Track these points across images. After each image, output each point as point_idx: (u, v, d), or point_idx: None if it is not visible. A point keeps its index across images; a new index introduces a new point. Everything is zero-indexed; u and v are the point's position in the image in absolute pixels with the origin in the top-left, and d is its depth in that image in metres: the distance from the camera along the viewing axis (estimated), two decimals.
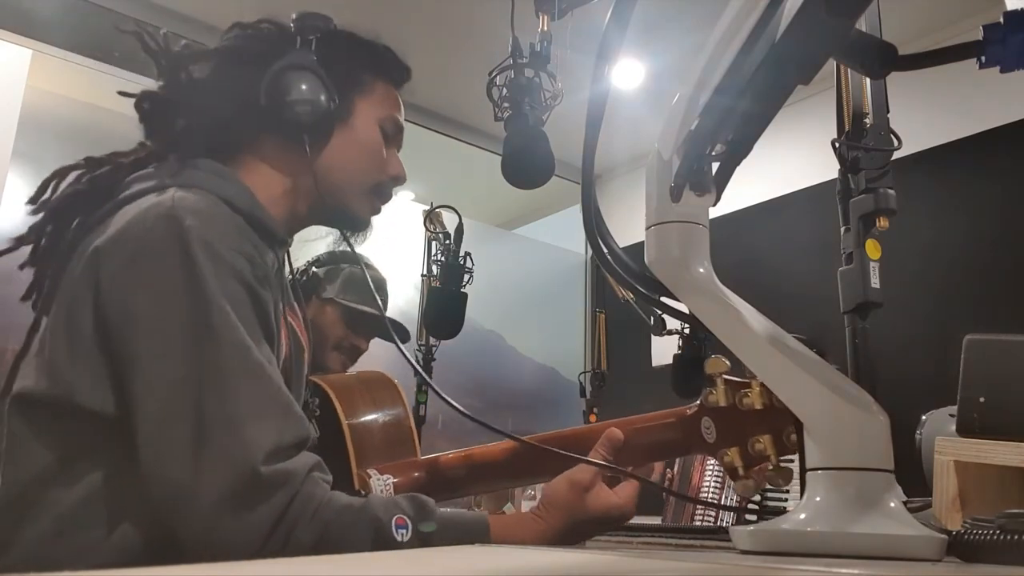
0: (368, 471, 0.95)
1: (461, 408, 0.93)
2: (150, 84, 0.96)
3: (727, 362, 0.75)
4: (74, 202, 0.90)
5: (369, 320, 1.85)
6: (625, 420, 0.90)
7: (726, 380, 0.77)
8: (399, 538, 0.76)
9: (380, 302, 1.91)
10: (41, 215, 0.90)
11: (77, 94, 2.62)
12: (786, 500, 1.39)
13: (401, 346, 1.02)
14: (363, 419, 1.03)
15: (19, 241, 0.90)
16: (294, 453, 0.76)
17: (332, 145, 0.98)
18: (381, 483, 0.94)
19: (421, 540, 0.78)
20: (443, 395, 0.96)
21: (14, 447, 0.81)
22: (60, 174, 0.91)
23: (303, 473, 0.75)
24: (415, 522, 0.78)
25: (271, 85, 0.93)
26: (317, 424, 1.01)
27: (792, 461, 0.75)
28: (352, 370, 1.86)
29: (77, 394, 0.78)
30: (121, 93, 0.96)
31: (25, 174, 2.44)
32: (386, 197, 1.05)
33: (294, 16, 0.99)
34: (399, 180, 1.05)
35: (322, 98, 0.94)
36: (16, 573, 0.76)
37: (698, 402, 0.81)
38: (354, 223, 1.04)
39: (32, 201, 0.90)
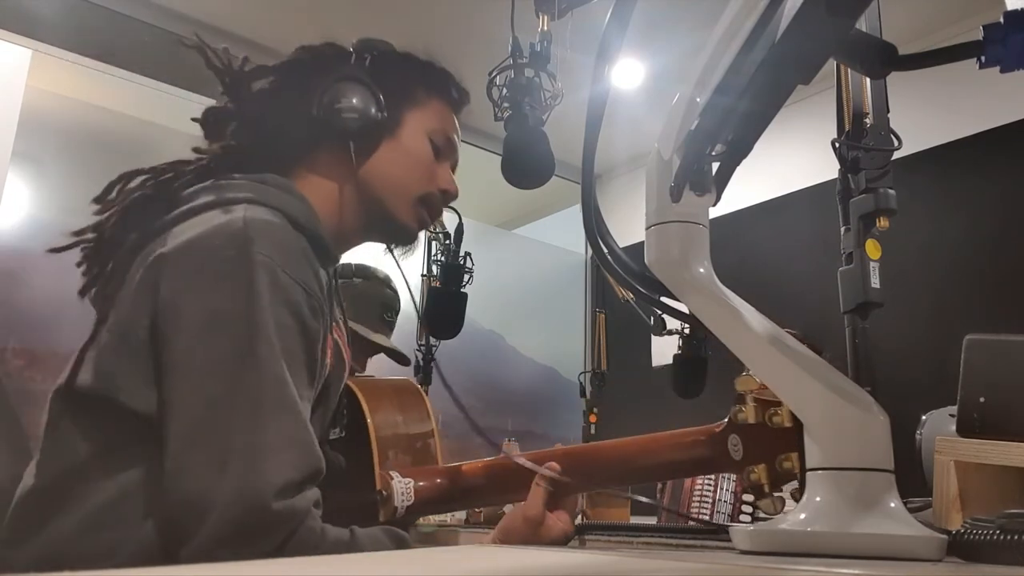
0: (391, 472, 0.95)
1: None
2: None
3: (757, 380, 0.75)
4: (139, 204, 0.90)
5: (371, 346, 1.86)
6: (650, 437, 0.89)
7: (756, 399, 0.77)
8: None
9: (390, 324, 1.91)
10: (106, 214, 0.90)
11: (77, 94, 2.62)
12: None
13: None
14: (389, 423, 1.04)
15: (78, 234, 0.90)
16: (304, 489, 0.77)
17: (378, 154, 0.99)
18: (403, 485, 0.94)
19: None
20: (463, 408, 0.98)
21: (52, 437, 0.82)
22: (126, 177, 0.92)
23: (306, 509, 0.76)
24: None
25: (322, 94, 0.96)
26: (343, 425, 1.03)
27: None
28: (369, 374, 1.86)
29: (122, 393, 0.79)
30: (194, 119, 0.99)
31: (25, 174, 2.44)
32: (435, 210, 1.06)
33: (355, 41, 1.04)
34: (449, 195, 1.06)
35: (370, 107, 0.97)
36: (15, 573, 0.77)
37: (726, 420, 0.81)
38: (400, 235, 1.04)
39: (98, 200, 0.91)
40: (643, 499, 1.12)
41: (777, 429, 0.75)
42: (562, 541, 0.92)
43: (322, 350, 0.87)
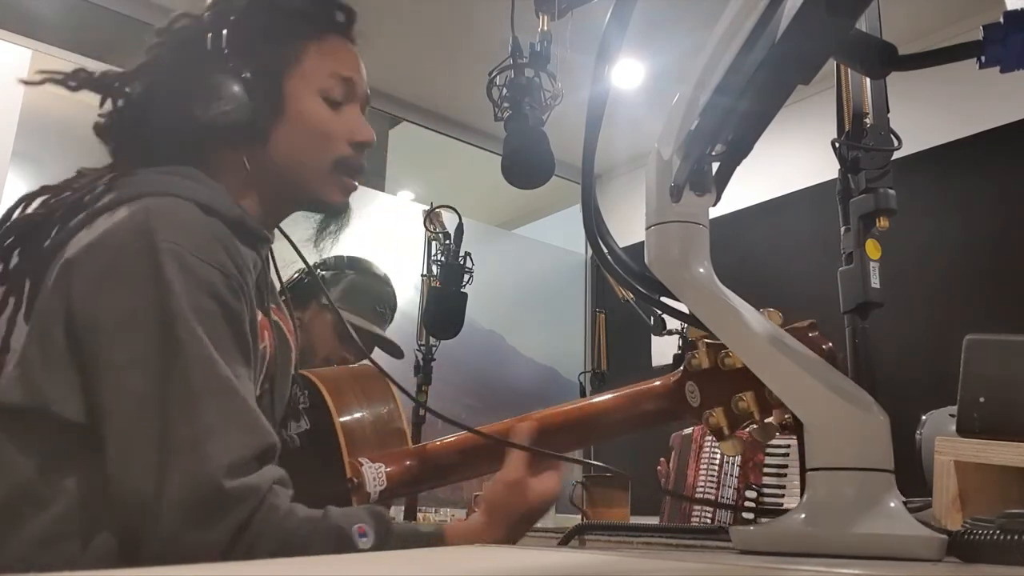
0: (360, 459, 0.96)
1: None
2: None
3: None
4: (39, 225, 0.90)
5: (363, 336, 1.84)
6: (613, 394, 0.91)
7: (707, 343, 0.78)
8: (361, 545, 0.78)
9: (382, 315, 1.90)
10: (8, 239, 0.90)
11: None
12: (783, 497, 1.39)
13: (392, 379, 1.04)
14: (353, 411, 1.04)
15: None
16: (257, 466, 0.76)
17: (272, 141, 0.94)
18: (373, 471, 0.94)
19: (382, 549, 0.79)
20: (411, 395, 0.98)
21: None
22: (26, 199, 0.91)
23: (266, 487, 0.75)
24: (375, 531, 0.80)
25: (191, 102, 0.90)
26: (307, 417, 1.02)
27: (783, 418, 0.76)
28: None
29: (51, 404, 0.78)
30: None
31: (25, 174, 2.44)
32: (354, 169, 0.99)
33: (208, 3, 0.95)
34: (364, 145, 0.98)
35: (241, 102, 0.90)
36: (15, 574, 0.77)
37: (681, 368, 0.82)
38: (327, 207, 1.00)
39: None
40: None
41: (730, 371, 0.76)
42: (549, 502, 0.91)
43: (252, 330, 0.85)
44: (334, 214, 1.02)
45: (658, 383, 0.87)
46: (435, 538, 0.85)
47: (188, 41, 0.94)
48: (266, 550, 0.73)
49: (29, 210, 0.91)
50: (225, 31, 0.92)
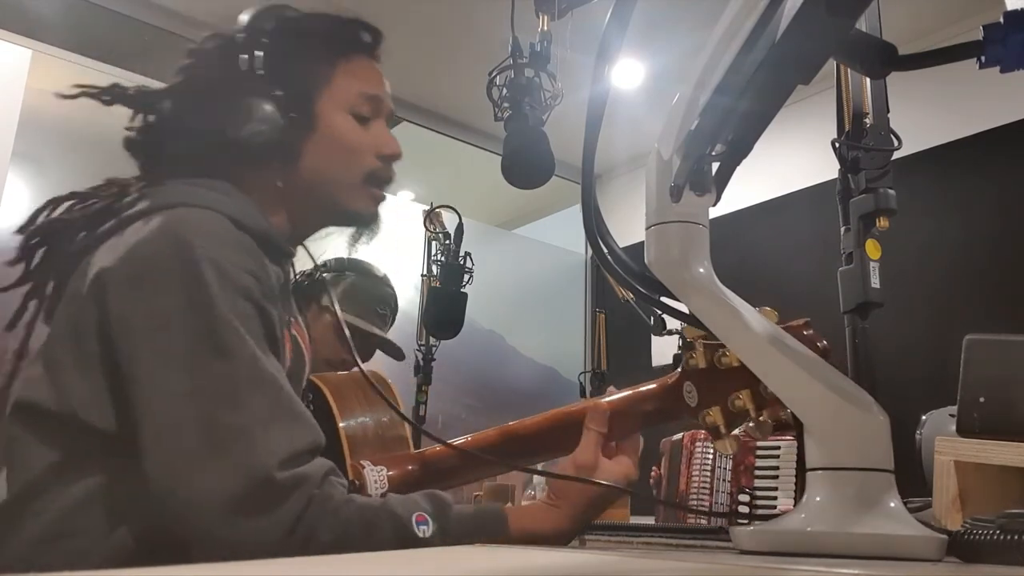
0: (362, 462, 0.96)
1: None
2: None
3: None
4: (64, 229, 0.91)
5: (364, 338, 1.84)
6: (611, 395, 0.91)
7: (704, 343, 0.79)
8: (420, 533, 0.77)
9: (383, 317, 1.90)
10: (34, 240, 0.91)
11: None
12: (775, 499, 1.39)
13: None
14: (356, 415, 1.05)
15: (13, 263, 0.91)
16: (309, 459, 0.77)
17: (305, 156, 0.96)
18: (375, 474, 0.94)
19: (443, 536, 0.78)
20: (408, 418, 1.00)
21: (15, 450, 0.82)
22: (53, 203, 0.92)
23: (319, 476, 0.76)
24: (435, 518, 0.79)
25: (225, 121, 0.91)
26: None
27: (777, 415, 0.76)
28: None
29: (79, 410, 0.79)
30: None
31: (25, 174, 2.44)
32: (383, 181, 1.01)
33: (243, 22, 0.97)
34: (392, 158, 1.01)
35: (276, 121, 0.92)
36: (16, 574, 0.77)
37: (679, 369, 0.82)
38: (358, 220, 1.02)
39: (21, 230, 0.91)
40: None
41: (726, 369, 0.76)
42: (624, 486, 0.86)
43: (281, 336, 0.86)
44: (365, 224, 1.03)
45: (655, 384, 0.87)
46: (498, 523, 0.83)
47: (221, 61, 0.95)
48: (323, 541, 0.73)
49: (55, 214, 0.92)
50: (260, 53, 0.94)
